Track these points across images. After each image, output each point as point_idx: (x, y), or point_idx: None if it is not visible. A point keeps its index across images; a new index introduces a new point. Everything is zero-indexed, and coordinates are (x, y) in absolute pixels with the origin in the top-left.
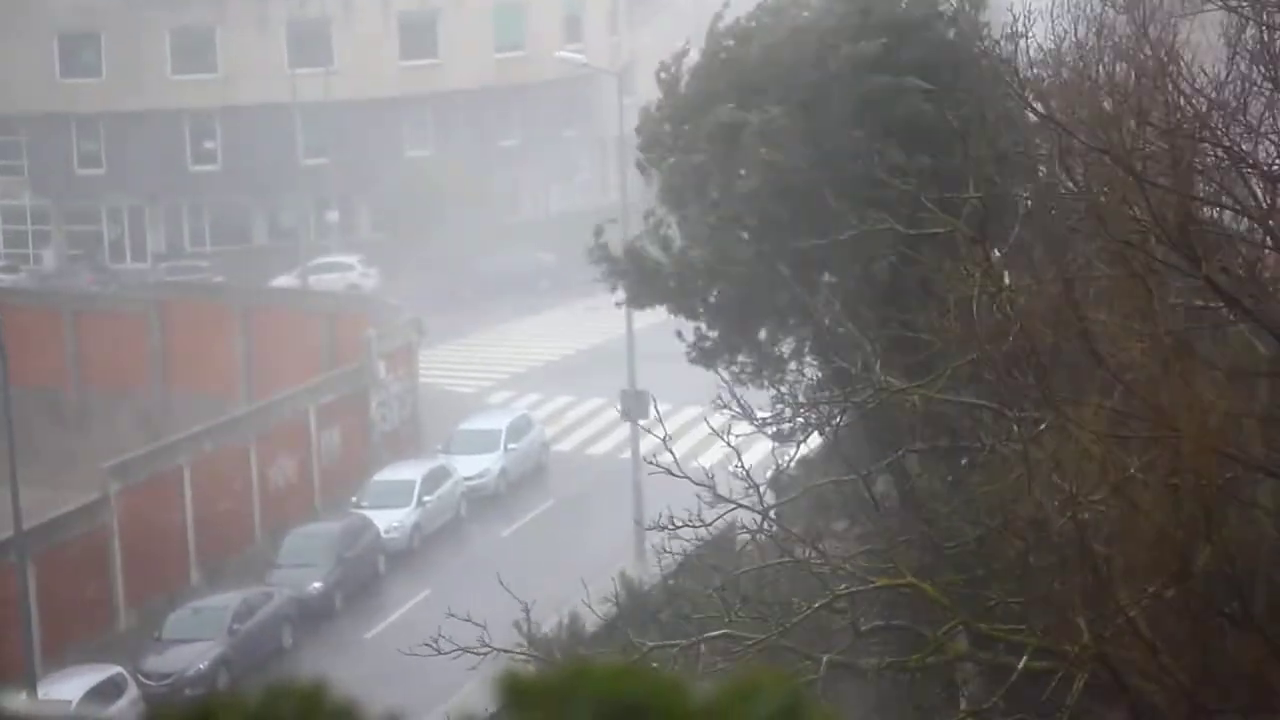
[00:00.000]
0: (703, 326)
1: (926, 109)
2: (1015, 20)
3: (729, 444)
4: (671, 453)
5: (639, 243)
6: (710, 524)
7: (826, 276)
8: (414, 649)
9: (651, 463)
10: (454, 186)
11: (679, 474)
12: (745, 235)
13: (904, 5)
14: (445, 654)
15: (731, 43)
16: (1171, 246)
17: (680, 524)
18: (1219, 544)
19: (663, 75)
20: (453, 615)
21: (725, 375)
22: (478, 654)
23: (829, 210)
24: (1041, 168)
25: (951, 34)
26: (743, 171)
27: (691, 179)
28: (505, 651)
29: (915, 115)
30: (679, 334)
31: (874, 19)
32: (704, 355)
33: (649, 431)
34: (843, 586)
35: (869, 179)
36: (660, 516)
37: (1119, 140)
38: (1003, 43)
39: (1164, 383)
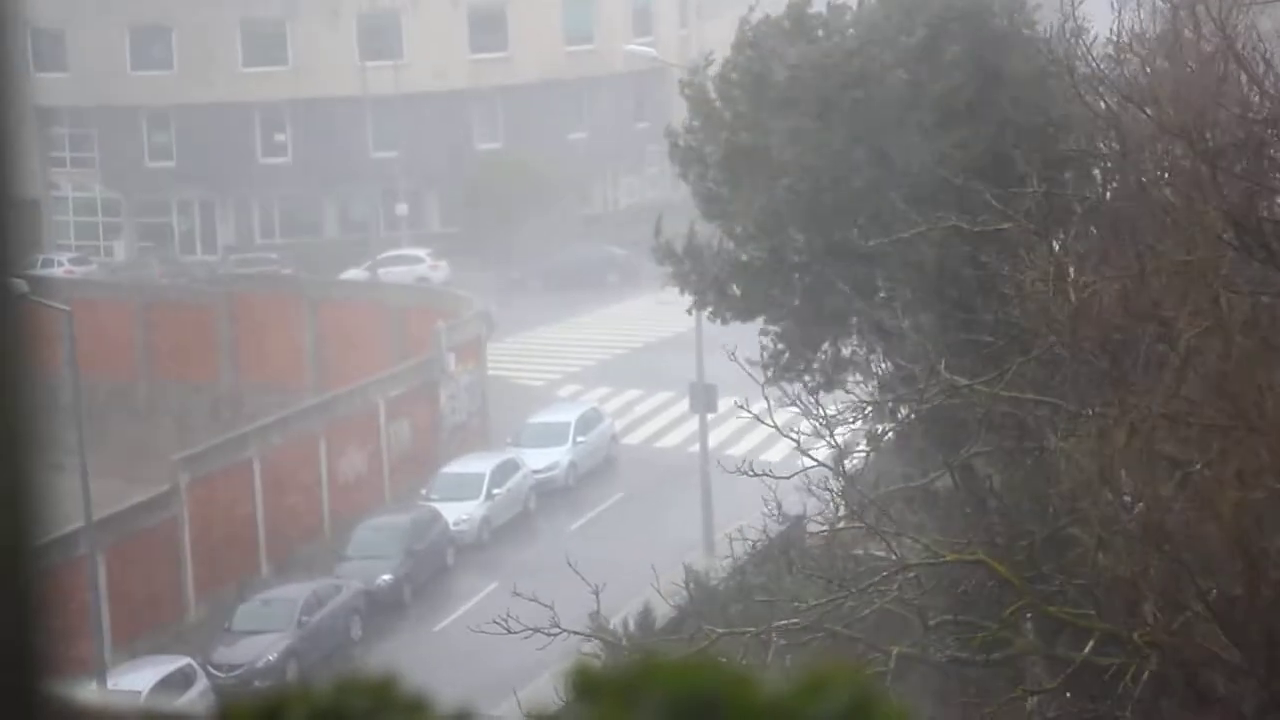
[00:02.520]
0: (770, 341)
1: (980, 102)
2: (1074, 16)
3: (794, 440)
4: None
5: (698, 245)
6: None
7: (882, 279)
8: (483, 627)
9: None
10: (523, 179)
11: (751, 473)
12: (798, 239)
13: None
14: (515, 633)
15: (754, 53)
16: (1248, 235)
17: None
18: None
19: (687, 92)
20: (518, 595)
21: (800, 388)
22: (548, 634)
23: (887, 211)
24: (1106, 163)
25: (1003, 24)
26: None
27: (723, 192)
28: (574, 633)
29: (970, 109)
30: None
31: (918, 14)
32: (779, 372)
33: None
34: (912, 570)
35: (928, 178)
36: (732, 525)
37: (1196, 127)
38: (1062, 38)
39: (1235, 373)
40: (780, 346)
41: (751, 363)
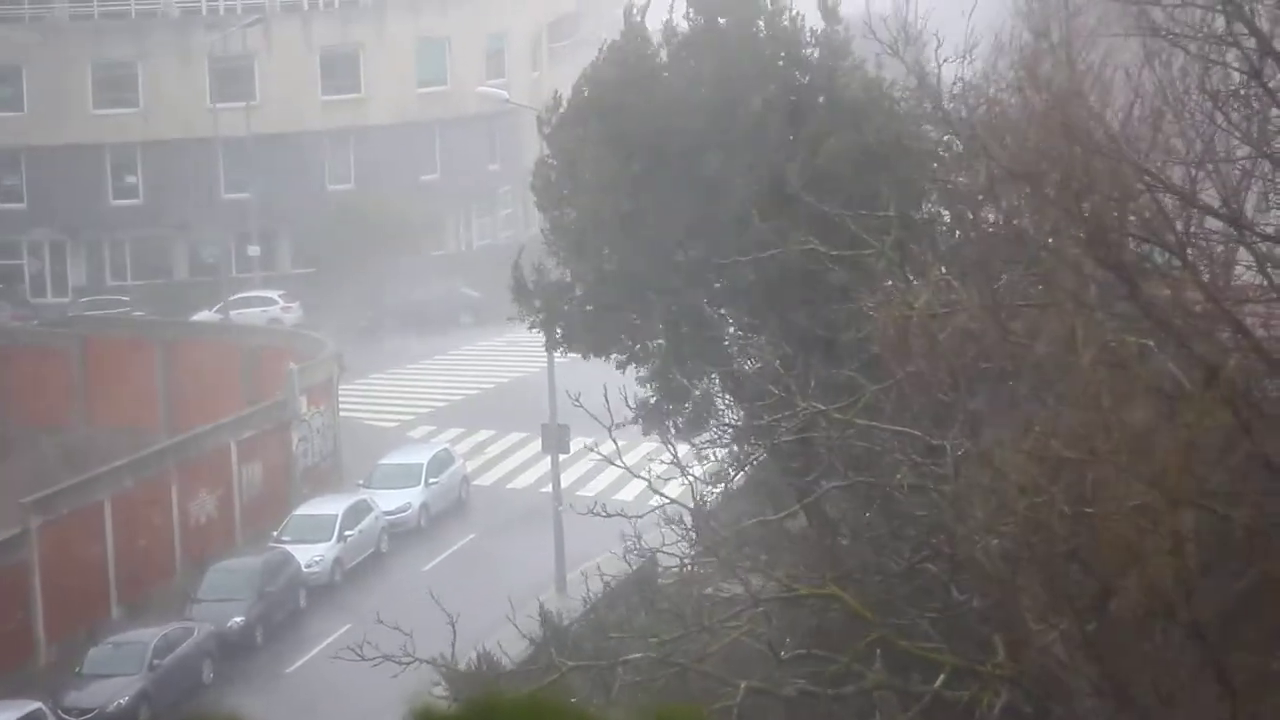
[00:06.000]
0: (646, 389)
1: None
2: (935, 51)
3: (648, 481)
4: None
5: (550, 281)
6: (642, 515)
7: (733, 311)
8: (339, 654)
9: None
10: (376, 221)
11: (605, 515)
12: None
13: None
14: (369, 659)
15: (596, 90)
16: (1109, 270)
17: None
18: (1140, 573)
19: (545, 130)
20: (381, 622)
21: (670, 431)
22: (400, 663)
23: (739, 237)
24: (956, 202)
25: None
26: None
27: (577, 229)
28: (427, 662)
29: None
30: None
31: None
32: (650, 418)
33: (598, 451)
34: (764, 604)
35: (783, 201)
36: (585, 564)
37: (1048, 165)
38: (910, 76)
39: (1089, 407)
40: (653, 390)
41: (630, 406)
